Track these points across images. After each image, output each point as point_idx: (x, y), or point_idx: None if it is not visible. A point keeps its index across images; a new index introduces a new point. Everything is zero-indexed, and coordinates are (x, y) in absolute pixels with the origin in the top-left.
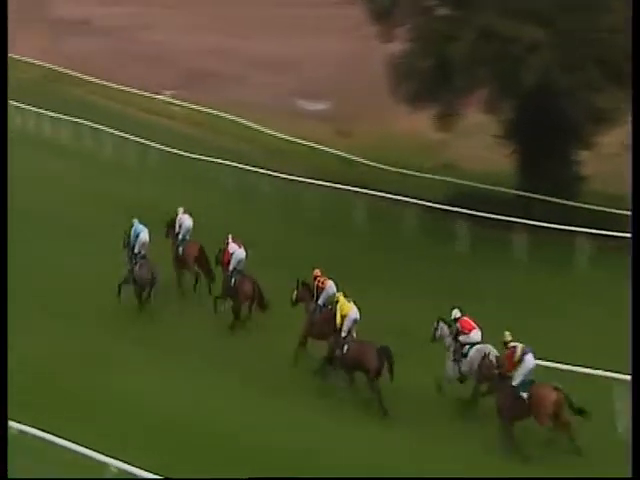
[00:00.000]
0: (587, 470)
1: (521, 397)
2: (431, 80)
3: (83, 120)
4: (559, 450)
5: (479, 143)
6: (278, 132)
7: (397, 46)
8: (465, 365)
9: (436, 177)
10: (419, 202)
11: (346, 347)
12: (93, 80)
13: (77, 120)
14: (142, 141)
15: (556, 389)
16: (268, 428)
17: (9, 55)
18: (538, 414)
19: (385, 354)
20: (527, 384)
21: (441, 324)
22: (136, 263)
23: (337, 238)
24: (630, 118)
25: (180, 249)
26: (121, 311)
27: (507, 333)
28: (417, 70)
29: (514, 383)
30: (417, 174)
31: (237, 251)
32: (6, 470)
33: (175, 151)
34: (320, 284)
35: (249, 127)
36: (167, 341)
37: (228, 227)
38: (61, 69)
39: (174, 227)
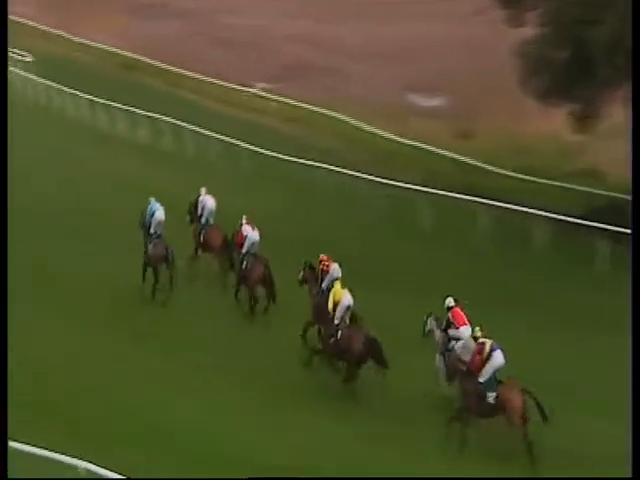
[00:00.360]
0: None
1: (487, 399)
2: (567, 72)
3: (162, 115)
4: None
5: (625, 146)
6: (385, 131)
7: (527, 32)
8: (450, 360)
9: (574, 186)
10: (553, 215)
11: (340, 334)
12: (174, 69)
13: (156, 115)
14: (229, 140)
15: (523, 391)
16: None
17: (82, 41)
18: (509, 417)
19: (373, 345)
20: (494, 383)
21: (430, 319)
22: (150, 242)
23: (454, 255)
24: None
25: (202, 233)
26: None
27: (477, 328)
28: (550, 60)
29: (481, 380)
30: (551, 182)
31: (250, 233)
32: (6, 470)
33: (267, 152)
34: (324, 267)
35: (352, 125)
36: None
37: (325, 240)
38: (139, 56)
39: (196, 209)
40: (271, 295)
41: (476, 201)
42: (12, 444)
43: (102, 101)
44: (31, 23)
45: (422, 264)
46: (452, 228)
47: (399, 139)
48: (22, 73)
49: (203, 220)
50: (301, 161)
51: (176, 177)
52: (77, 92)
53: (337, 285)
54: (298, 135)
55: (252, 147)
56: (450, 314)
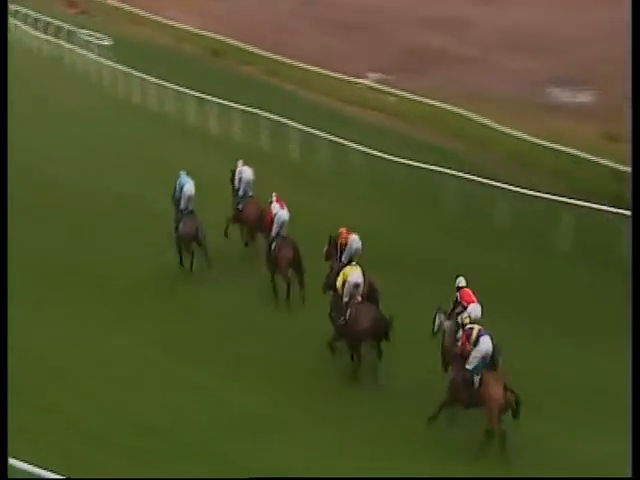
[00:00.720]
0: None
1: (473, 383)
2: None
3: (260, 110)
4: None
5: None
6: (522, 132)
7: None
8: (448, 345)
9: None
10: None
11: (348, 313)
12: (272, 56)
13: (252, 110)
14: (338, 140)
15: (506, 389)
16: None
17: (165, 21)
18: (488, 413)
19: (383, 324)
20: (481, 369)
21: (439, 314)
22: (181, 220)
23: (600, 275)
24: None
25: (240, 206)
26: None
27: (465, 315)
28: None
29: (468, 366)
30: None
31: (280, 212)
32: (6, 470)
33: (381, 154)
34: (343, 240)
35: (483, 125)
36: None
37: (441, 257)
38: (230, 40)
39: (233, 182)
40: (300, 282)
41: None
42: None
43: (189, 91)
44: (109, 2)
45: (561, 285)
46: (597, 245)
47: (536, 140)
48: (98, 58)
49: (241, 192)
50: (418, 164)
51: (276, 182)
52: (161, 81)
53: (352, 264)
54: (418, 135)
55: (364, 149)
56: (458, 294)
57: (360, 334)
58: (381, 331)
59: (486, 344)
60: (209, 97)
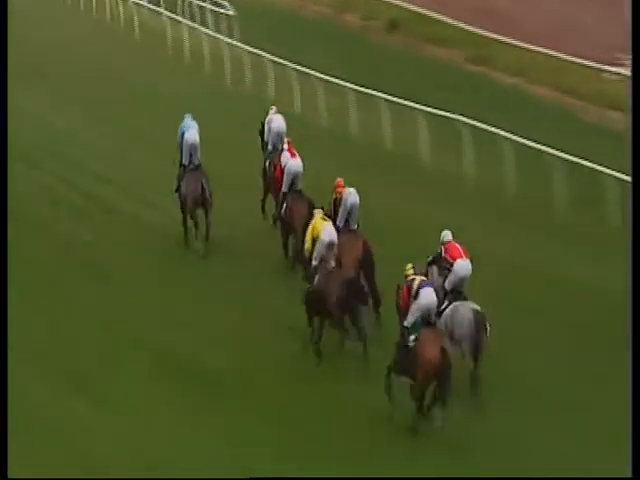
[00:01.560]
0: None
1: (408, 344)
2: None
3: (462, 115)
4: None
5: None
6: None
7: None
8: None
9: None
10: None
11: (316, 279)
12: (481, 32)
13: (448, 114)
14: (579, 160)
15: (443, 349)
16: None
17: None
18: (419, 374)
19: (355, 291)
20: (418, 326)
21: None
22: (183, 177)
23: None
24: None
25: (268, 163)
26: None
27: (409, 266)
28: None
29: (405, 323)
30: None
31: (290, 161)
32: (6, 470)
33: None
34: (338, 195)
35: None
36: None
37: None
38: (417, 9)
39: (263, 135)
40: None
41: None
42: None
43: (349, 85)
44: None
45: None
46: None
47: None
48: (216, 34)
49: (270, 146)
50: None
51: (483, 222)
52: (306, 69)
53: (317, 216)
54: None
55: (620, 174)
56: (443, 248)
57: (330, 307)
58: (354, 302)
59: (427, 297)
60: (382, 94)
